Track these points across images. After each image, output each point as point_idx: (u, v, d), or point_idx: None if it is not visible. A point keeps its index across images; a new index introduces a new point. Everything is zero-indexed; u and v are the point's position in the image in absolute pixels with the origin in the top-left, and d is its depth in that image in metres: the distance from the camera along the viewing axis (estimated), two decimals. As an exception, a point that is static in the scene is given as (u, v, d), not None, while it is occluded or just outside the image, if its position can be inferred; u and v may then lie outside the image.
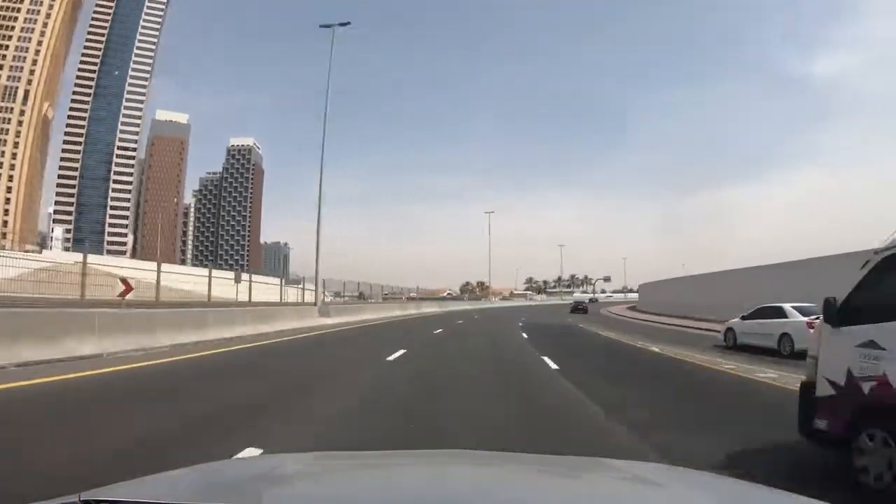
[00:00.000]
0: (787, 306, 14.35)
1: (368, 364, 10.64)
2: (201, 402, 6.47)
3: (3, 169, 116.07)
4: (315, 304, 23.80)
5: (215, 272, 23.39)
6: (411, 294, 53.80)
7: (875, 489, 3.35)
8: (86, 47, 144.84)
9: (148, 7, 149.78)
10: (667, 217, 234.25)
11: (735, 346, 15.60)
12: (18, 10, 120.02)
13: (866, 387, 3.53)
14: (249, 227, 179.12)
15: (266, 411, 6.01)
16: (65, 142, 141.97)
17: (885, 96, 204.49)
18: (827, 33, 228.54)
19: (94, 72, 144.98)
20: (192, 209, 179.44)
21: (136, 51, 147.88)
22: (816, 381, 4.01)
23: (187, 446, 4.39)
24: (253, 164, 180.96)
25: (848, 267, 4.39)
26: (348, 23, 25.86)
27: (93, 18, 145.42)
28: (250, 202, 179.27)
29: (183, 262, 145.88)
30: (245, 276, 25.26)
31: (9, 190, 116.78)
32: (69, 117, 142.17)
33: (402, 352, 12.22)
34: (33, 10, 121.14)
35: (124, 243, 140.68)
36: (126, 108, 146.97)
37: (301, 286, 31.30)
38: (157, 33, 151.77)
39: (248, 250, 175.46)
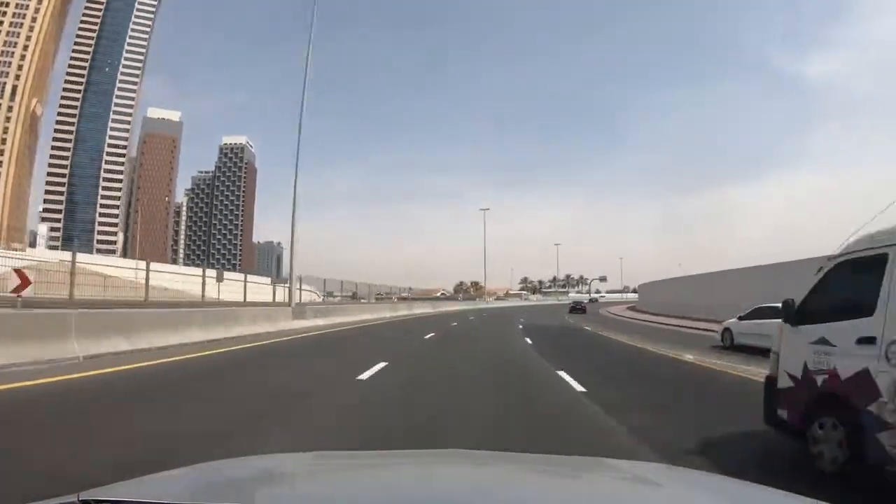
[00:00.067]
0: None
1: (331, 388, 7.77)
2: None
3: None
4: (290, 304, 21.15)
5: (197, 270, 22.60)
6: (403, 294, 52.99)
7: (829, 472, 3.68)
8: (76, 43, 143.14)
9: (139, 3, 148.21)
10: (664, 217, 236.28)
11: (732, 346, 15.38)
12: (7, 4, 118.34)
13: (819, 379, 3.91)
14: (242, 226, 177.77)
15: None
16: (54, 139, 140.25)
17: (885, 97, 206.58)
18: (826, 34, 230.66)
19: (84, 68, 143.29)
20: (185, 208, 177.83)
21: (127, 47, 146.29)
22: (778, 375, 4.40)
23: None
24: (246, 163, 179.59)
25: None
26: None
27: (83, 13, 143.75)
28: (243, 201, 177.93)
29: (175, 261, 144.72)
30: (234, 275, 24.55)
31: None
32: (59, 114, 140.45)
33: (381, 366, 9.66)
34: (22, 5, 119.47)
35: (115, 242, 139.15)
36: (117, 104, 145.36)
37: (293, 287, 30.37)
38: (148, 29, 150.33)
39: (240, 250, 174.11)
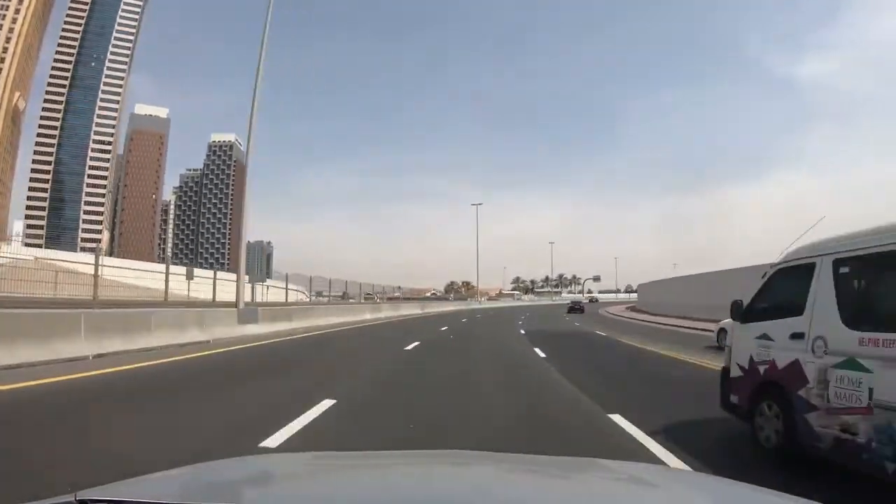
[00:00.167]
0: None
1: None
2: None
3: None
4: (237, 305, 16.59)
5: (161, 267, 20.82)
6: (393, 294, 51.32)
7: (769, 448, 4.23)
8: (62, 37, 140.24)
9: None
10: (660, 217, 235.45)
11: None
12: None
13: (762, 369, 4.45)
14: (231, 224, 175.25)
15: None
16: (38, 134, 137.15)
17: (885, 97, 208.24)
18: (825, 34, 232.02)
19: (70, 62, 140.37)
20: (172, 206, 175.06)
21: (114, 41, 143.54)
22: (731, 367, 4.96)
23: None
24: (235, 161, 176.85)
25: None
26: None
27: (69, 7, 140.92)
28: (232, 199, 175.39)
29: (162, 260, 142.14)
30: (202, 272, 22.76)
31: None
32: (44, 109, 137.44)
33: (320, 410, 5.86)
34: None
35: (100, 240, 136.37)
36: (103, 100, 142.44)
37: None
38: (136, 25, 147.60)
39: (229, 248, 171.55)
